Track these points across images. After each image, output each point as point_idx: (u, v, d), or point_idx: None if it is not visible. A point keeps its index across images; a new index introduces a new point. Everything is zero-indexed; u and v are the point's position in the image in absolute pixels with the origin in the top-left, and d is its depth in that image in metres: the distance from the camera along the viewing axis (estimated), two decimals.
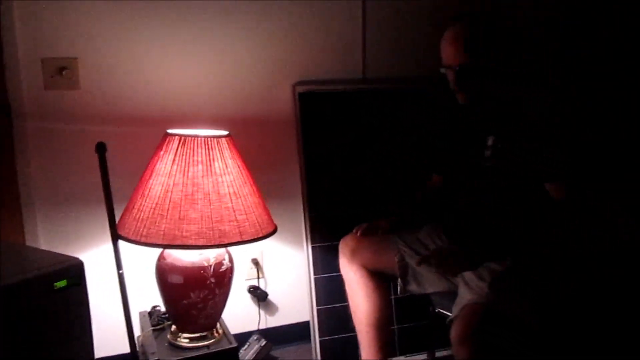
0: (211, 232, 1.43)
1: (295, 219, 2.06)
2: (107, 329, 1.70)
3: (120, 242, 1.50)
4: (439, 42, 1.51)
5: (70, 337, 1.15)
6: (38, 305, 1.09)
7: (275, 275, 2.11)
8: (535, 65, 1.67)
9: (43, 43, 1.73)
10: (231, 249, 1.96)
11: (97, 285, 1.69)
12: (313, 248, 2.01)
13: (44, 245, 1.79)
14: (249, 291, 2.07)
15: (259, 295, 2.07)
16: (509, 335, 1.32)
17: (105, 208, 1.52)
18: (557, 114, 1.45)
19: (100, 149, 1.47)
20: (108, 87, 1.81)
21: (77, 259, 1.19)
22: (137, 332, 1.72)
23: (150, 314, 1.77)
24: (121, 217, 1.53)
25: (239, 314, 2.01)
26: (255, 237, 1.51)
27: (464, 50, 1.42)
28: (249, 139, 1.94)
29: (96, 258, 1.80)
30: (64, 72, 1.75)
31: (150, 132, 1.72)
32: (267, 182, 1.96)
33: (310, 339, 2.04)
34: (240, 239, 1.47)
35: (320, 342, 2.00)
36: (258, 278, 2.08)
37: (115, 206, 1.55)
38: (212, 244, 1.43)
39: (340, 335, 2.00)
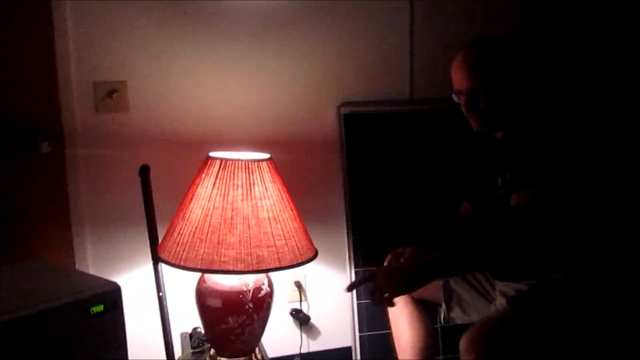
0: (249, 258, 1.42)
1: (339, 243, 2.03)
2: (150, 349, 1.71)
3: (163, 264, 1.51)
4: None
5: None
6: (74, 329, 1.10)
7: (318, 299, 2.08)
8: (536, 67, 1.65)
9: (95, 67, 1.78)
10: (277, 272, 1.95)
11: (142, 305, 1.72)
12: (356, 272, 1.97)
13: (92, 267, 1.84)
14: (291, 314, 2.04)
15: (300, 319, 2.04)
16: (522, 347, 1.28)
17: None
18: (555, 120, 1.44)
19: (143, 172, 1.49)
20: (155, 110, 1.84)
21: (115, 283, 1.20)
22: (177, 352, 1.73)
23: (191, 335, 1.77)
24: (162, 240, 1.55)
25: (280, 337, 1.99)
26: (294, 263, 1.48)
27: (474, 73, 1.43)
28: (292, 161, 1.93)
29: (143, 278, 1.82)
30: (114, 95, 1.80)
31: (195, 154, 1.74)
32: (310, 205, 1.95)
33: None
34: (278, 265, 1.45)
35: None
36: (300, 301, 2.05)
37: (160, 227, 1.57)
38: (250, 269, 1.41)
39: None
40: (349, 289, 1.44)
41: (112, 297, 1.16)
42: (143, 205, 1.61)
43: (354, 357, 1.98)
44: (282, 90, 1.94)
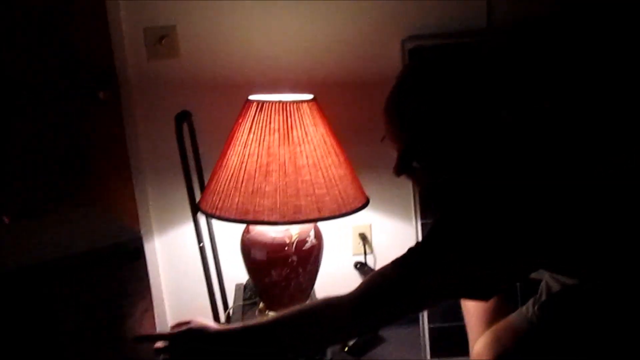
0: (285, 207, 1.31)
1: (406, 193, 1.86)
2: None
3: None
4: None
5: (128, 315, 1.13)
6: (92, 278, 1.07)
7: (385, 252, 1.94)
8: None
9: (144, 12, 1.73)
10: (337, 222, 1.84)
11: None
12: (423, 225, 1.80)
13: (154, 214, 1.85)
14: (356, 267, 1.94)
15: (365, 273, 1.92)
16: None
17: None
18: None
19: (179, 118, 1.42)
20: (206, 54, 1.76)
21: (137, 233, 1.16)
22: (231, 303, 1.70)
23: (245, 286, 1.73)
24: (204, 189, 1.49)
25: (344, 291, 1.89)
26: (336, 213, 1.36)
27: (401, 128, 0.98)
28: (350, 104, 1.77)
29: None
30: (163, 41, 1.74)
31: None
32: (373, 152, 1.79)
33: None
34: (318, 216, 1.33)
35: (430, 328, 1.80)
36: (365, 254, 1.93)
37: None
38: (286, 220, 1.31)
39: (453, 324, 1.77)
40: (138, 340, 1.13)
41: (131, 247, 1.12)
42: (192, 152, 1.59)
43: (420, 315, 1.83)
44: (338, 24, 1.76)
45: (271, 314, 1.51)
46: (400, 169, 1.02)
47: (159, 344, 1.11)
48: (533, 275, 1.34)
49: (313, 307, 1.11)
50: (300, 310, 1.09)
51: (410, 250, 1.03)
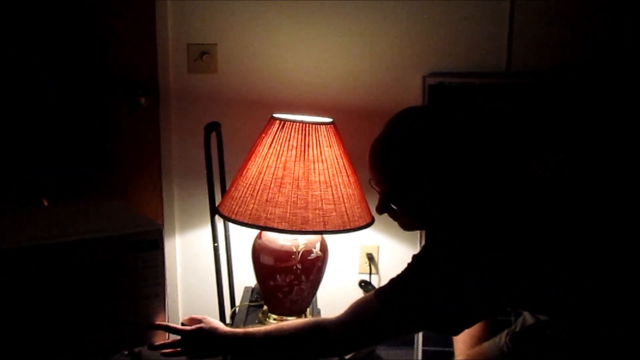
0: (294, 218, 1.43)
1: None
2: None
3: None
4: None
5: (142, 296, 1.26)
6: (115, 261, 1.21)
7: (389, 273, 1.98)
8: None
9: (190, 29, 1.90)
10: (346, 240, 1.96)
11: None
12: None
13: (178, 212, 1.99)
14: (360, 285, 2.03)
15: (368, 291, 2.01)
16: None
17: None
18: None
19: (209, 128, 1.57)
20: (240, 73, 1.92)
21: (158, 225, 1.29)
22: (238, 302, 1.82)
23: (253, 289, 1.85)
24: (224, 194, 1.62)
25: (346, 306, 1.98)
26: (340, 228, 1.47)
27: (381, 176, 1.12)
28: (368, 131, 1.86)
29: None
30: (204, 57, 1.90)
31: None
32: None
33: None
34: (322, 228, 1.44)
35: (424, 351, 1.87)
36: (370, 274, 2.03)
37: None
38: (293, 229, 1.43)
39: (447, 349, 1.84)
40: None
41: (152, 236, 1.26)
42: (227, 163, 1.74)
43: (415, 338, 1.91)
44: (364, 56, 1.90)
45: (273, 317, 1.62)
46: (381, 209, 1.17)
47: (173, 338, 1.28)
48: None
49: (303, 326, 1.25)
50: (290, 327, 1.23)
51: (391, 281, 1.14)
